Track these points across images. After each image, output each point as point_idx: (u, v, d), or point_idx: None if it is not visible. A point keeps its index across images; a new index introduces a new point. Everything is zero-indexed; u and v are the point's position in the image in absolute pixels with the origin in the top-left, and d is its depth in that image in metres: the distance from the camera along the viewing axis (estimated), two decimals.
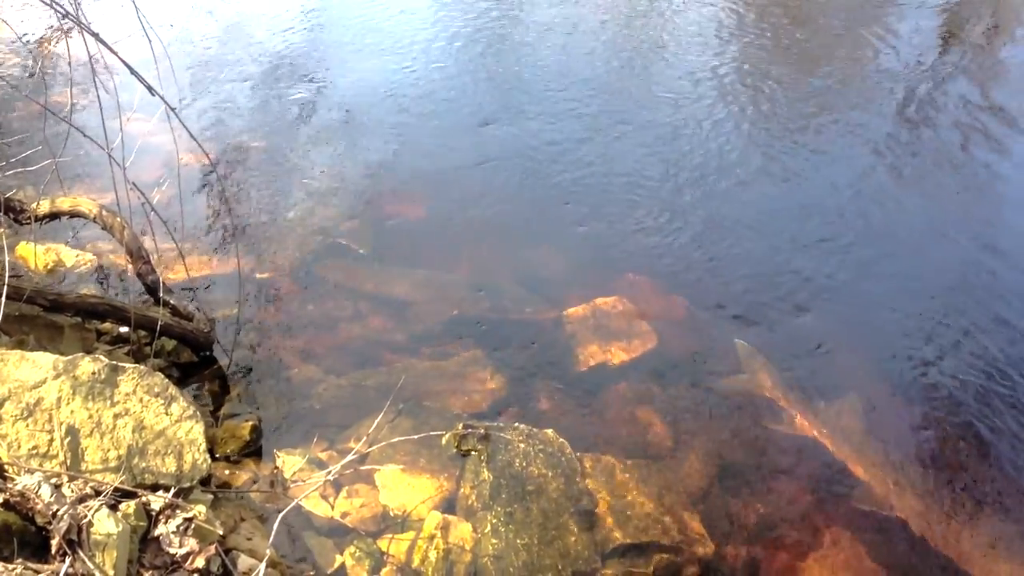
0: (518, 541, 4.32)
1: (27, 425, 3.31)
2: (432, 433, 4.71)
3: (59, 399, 3.40)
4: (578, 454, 4.88)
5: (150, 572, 3.22)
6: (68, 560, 2.94)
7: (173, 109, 3.88)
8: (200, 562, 3.33)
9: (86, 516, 3.07)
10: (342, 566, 4.12)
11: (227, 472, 4.49)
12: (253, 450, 4.71)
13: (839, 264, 6.51)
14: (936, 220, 7.10)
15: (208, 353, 5.25)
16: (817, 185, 7.51)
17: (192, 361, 5.21)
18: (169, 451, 3.59)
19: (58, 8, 3.65)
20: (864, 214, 7.11)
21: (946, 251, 6.71)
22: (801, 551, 4.60)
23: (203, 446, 3.70)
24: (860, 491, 4.94)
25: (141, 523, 3.30)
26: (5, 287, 3.85)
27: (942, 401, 5.45)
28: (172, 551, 3.33)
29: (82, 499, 3.19)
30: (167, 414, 3.64)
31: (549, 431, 4.96)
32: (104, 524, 3.07)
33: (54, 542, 2.97)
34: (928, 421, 5.38)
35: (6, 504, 3.02)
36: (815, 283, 6.30)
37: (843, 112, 8.58)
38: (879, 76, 9.37)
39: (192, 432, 3.68)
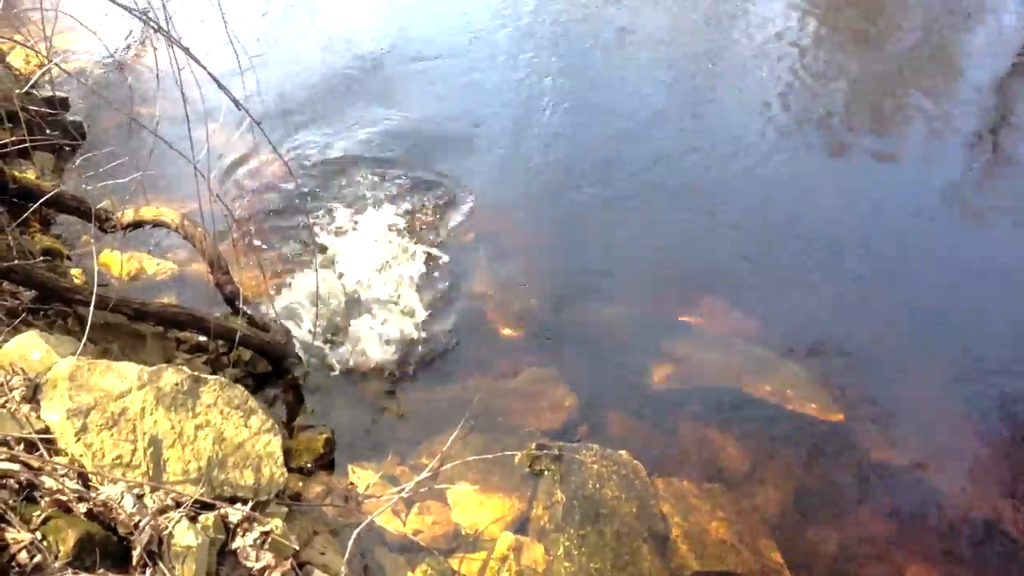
0: (591, 565, 4.24)
1: (112, 435, 3.34)
2: (506, 453, 4.65)
3: (143, 409, 3.43)
4: (652, 477, 4.80)
5: None
6: (148, 571, 2.96)
7: (258, 123, 3.90)
8: None
9: (167, 527, 3.09)
10: None
11: (300, 484, 4.49)
12: (326, 462, 4.72)
13: (914, 286, 6.40)
14: None
15: (284, 364, 5.28)
16: (888, 206, 7.39)
17: (267, 371, 5.24)
18: (247, 464, 3.60)
19: (151, 22, 3.71)
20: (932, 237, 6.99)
21: None
22: None
23: (280, 460, 3.71)
24: (944, 519, 4.77)
25: (219, 536, 3.32)
26: (94, 296, 3.92)
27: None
28: (249, 564, 3.33)
29: (163, 510, 3.21)
30: (246, 427, 3.66)
31: (623, 452, 4.88)
32: (184, 536, 3.08)
33: (135, 553, 2.99)
34: (1011, 442, 5.21)
35: (90, 513, 3.05)
36: (889, 307, 6.17)
37: None
38: None
39: (270, 445, 3.69)
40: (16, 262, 4.05)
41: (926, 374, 5.66)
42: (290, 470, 4.49)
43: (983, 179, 8.03)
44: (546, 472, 4.71)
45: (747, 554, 4.45)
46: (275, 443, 3.71)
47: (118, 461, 3.33)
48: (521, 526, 4.47)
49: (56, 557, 2.77)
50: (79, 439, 3.29)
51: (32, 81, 6.23)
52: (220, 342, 5.03)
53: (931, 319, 6.12)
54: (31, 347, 3.59)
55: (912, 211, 7.36)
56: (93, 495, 3.11)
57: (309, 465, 4.63)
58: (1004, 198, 7.64)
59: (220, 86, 3.67)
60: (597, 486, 4.63)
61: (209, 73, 3.70)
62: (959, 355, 5.82)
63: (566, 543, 4.33)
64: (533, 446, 4.82)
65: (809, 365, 5.65)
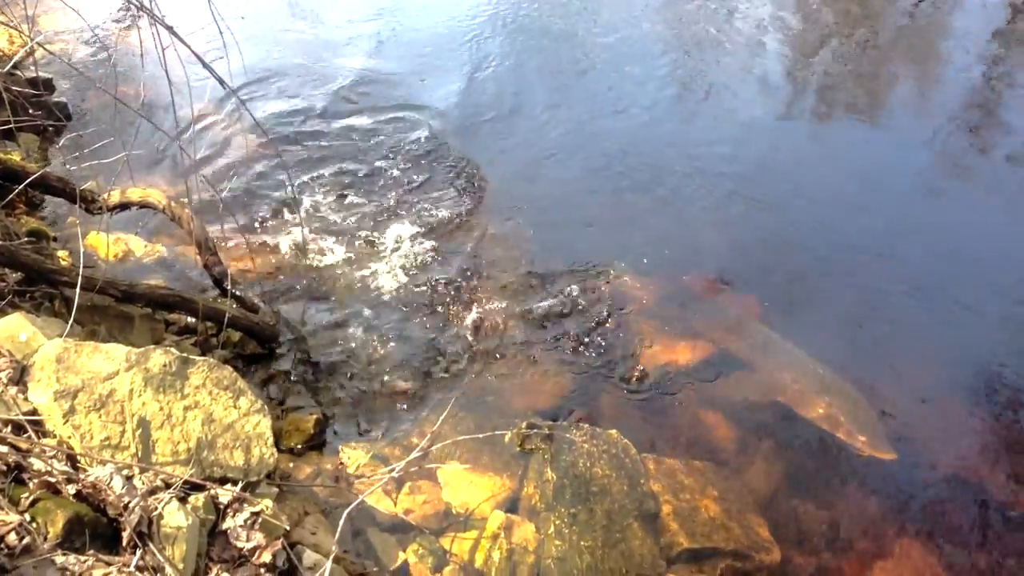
0: (582, 543, 4.25)
1: (100, 416, 3.33)
2: (496, 433, 4.66)
3: (131, 391, 3.41)
4: (642, 456, 4.81)
5: (218, 566, 3.22)
6: (139, 552, 2.95)
7: (244, 102, 3.88)
8: (267, 556, 3.33)
9: (157, 508, 3.09)
10: (405, 563, 4.10)
11: (291, 464, 4.49)
12: (316, 443, 4.71)
13: (910, 268, 6.41)
14: None
15: (273, 345, 5.26)
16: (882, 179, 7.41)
17: (257, 353, 5.22)
18: (237, 444, 3.60)
19: (134, 1, 3.66)
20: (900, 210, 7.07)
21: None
22: (871, 560, 4.49)
23: (270, 440, 3.71)
24: (931, 498, 4.80)
25: (210, 516, 3.31)
26: (80, 278, 3.89)
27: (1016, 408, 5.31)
28: (240, 544, 3.33)
29: (153, 491, 3.20)
30: (235, 407, 3.65)
31: (613, 432, 4.89)
32: (174, 517, 3.08)
33: (125, 534, 2.98)
34: (999, 422, 5.23)
35: (79, 495, 3.05)
36: (890, 288, 6.19)
37: None
38: None
39: (260, 426, 3.68)
40: (1, 243, 4.01)
41: (914, 356, 5.68)
42: (280, 451, 4.48)
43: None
44: (536, 451, 4.71)
45: (737, 531, 4.47)
46: (265, 424, 3.70)
47: (107, 443, 3.32)
48: (512, 505, 4.48)
49: (45, 539, 2.76)
50: (67, 421, 3.28)
51: (13, 61, 6.13)
52: (209, 323, 5.01)
53: (930, 304, 6.14)
54: (18, 329, 3.57)
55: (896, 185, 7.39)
56: (82, 477, 3.10)
57: (299, 446, 4.62)
58: None
59: (204, 65, 3.63)
60: (587, 465, 4.64)
61: (193, 51, 3.67)
62: (951, 339, 5.84)
63: (557, 521, 4.34)
64: (523, 425, 4.82)
65: (807, 350, 5.65)
